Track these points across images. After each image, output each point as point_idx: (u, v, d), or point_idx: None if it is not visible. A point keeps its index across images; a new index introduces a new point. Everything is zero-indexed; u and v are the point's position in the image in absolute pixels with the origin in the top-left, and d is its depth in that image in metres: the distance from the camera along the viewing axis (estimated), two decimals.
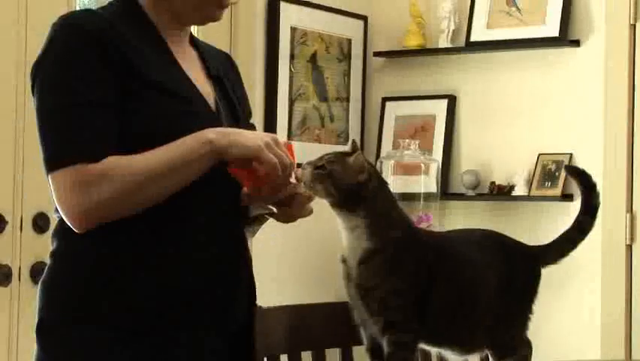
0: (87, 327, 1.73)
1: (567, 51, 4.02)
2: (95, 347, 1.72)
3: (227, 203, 1.84)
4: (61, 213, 1.72)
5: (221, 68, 1.96)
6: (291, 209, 1.85)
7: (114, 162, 1.68)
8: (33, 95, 1.75)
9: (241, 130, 1.77)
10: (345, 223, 1.88)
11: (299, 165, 1.84)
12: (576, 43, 4.00)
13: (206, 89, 1.87)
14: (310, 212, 1.88)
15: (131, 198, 1.69)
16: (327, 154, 1.88)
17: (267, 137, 1.74)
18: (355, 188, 1.85)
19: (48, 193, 1.78)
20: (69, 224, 1.72)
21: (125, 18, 1.80)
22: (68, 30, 1.74)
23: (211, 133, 1.71)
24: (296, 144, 4.07)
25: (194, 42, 1.94)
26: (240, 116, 1.93)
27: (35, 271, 3.08)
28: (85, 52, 1.71)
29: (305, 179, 1.84)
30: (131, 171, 1.68)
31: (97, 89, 1.70)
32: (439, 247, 1.95)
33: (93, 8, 1.87)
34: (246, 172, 1.75)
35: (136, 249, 1.75)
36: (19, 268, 3.08)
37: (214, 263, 1.80)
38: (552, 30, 4.01)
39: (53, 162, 1.70)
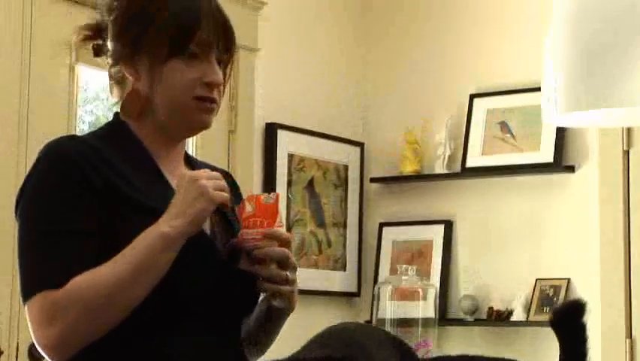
0: None
1: (562, 177, 4.05)
2: None
3: (222, 323, 1.80)
4: (39, 347, 1.68)
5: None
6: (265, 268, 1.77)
7: (77, 283, 1.64)
8: (16, 220, 1.74)
9: (175, 200, 1.70)
10: None
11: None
12: (571, 168, 4.04)
13: None
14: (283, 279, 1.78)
15: (101, 314, 1.66)
16: None
17: (192, 186, 1.69)
18: None
19: None
20: (47, 358, 1.68)
21: (112, 141, 1.79)
22: (51, 157, 1.73)
23: (163, 225, 1.67)
24: None
25: (190, 161, 1.93)
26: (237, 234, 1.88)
27: None
28: (65, 179, 1.71)
29: None
30: (95, 289, 1.64)
31: (72, 218, 1.69)
32: None
33: (78, 135, 1.89)
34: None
35: None
36: None
37: None
38: (547, 156, 4.05)
39: (23, 292, 1.68)
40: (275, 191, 1.86)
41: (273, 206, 1.79)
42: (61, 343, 1.65)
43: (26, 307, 1.67)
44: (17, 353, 3.08)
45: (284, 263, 1.80)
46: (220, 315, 1.79)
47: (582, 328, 1.75)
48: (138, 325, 1.69)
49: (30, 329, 1.68)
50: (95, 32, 1.87)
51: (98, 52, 1.87)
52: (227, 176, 1.99)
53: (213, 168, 1.99)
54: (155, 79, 1.78)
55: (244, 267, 1.79)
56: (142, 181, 1.77)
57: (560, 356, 1.76)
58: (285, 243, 1.80)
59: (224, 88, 1.84)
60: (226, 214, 1.90)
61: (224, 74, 1.84)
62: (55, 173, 1.72)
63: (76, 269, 1.66)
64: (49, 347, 1.66)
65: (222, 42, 1.82)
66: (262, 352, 1.93)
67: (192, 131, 1.88)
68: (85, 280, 1.65)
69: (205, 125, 1.84)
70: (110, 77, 1.85)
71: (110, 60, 1.84)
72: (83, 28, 1.86)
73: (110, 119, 1.90)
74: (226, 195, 1.72)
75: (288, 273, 1.80)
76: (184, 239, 1.68)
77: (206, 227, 1.82)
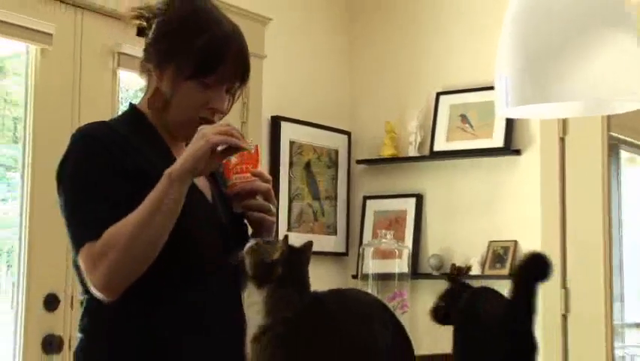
0: None
1: (511, 159, 4.05)
2: None
3: (225, 275, 1.76)
4: (92, 292, 1.65)
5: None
6: (252, 201, 1.77)
7: (109, 232, 1.61)
8: (58, 194, 1.72)
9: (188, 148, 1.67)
10: (248, 302, 1.65)
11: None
12: (518, 152, 4.04)
13: (203, 184, 1.80)
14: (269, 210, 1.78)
15: (133, 251, 1.60)
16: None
17: (197, 135, 1.65)
18: (266, 266, 1.63)
19: None
20: (101, 299, 1.64)
21: (133, 127, 1.76)
22: (84, 140, 1.72)
23: (169, 168, 1.63)
24: (294, 235, 4.08)
25: None
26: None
27: None
28: (96, 157, 1.68)
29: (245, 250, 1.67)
30: (123, 230, 1.60)
31: (104, 187, 1.66)
32: (331, 329, 1.65)
33: (107, 120, 1.83)
34: (225, 164, 1.73)
35: (147, 323, 1.68)
36: (69, 339, 3.05)
37: (218, 327, 1.73)
38: (498, 142, 4.05)
39: (74, 250, 1.66)
40: (256, 144, 1.79)
41: (255, 155, 1.76)
42: (106, 283, 1.61)
43: (79, 259, 1.64)
44: (72, 302, 3.07)
45: (267, 196, 1.78)
46: (223, 268, 1.75)
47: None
48: (154, 280, 1.64)
49: (89, 283, 1.64)
50: (142, 16, 1.79)
51: (141, 32, 1.80)
52: None
53: None
54: (174, 90, 1.74)
55: (236, 208, 1.77)
56: (158, 162, 1.73)
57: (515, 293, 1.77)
58: (267, 182, 1.78)
59: (231, 104, 1.79)
60: (220, 187, 1.84)
61: (234, 97, 1.79)
62: (90, 152, 1.69)
63: (110, 223, 1.61)
64: (99, 288, 1.62)
65: (238, 78, 1.76)
66: None
67: (189, 139, 1.79)
68: (114, 228, 1.61)
69: None
70: (142, 64, 1.79)
71: (144, 53, 1.78)
72: (134, 9, 1.79)
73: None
74: (222, 138, 1.63)
75: (270, 205, 1.78)
76: (187, 177, 1.63)
77: (208, 196, 1.79)
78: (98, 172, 1.68)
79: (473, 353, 1.81)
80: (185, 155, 1.64)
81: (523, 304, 1.78)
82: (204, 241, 1.69)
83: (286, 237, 1.64)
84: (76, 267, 1.71)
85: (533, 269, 1.81)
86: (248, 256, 1.64)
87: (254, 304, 1.63)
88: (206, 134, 1.64)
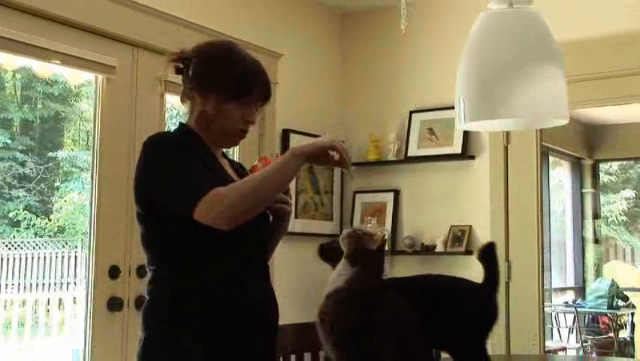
0: (172, 340, 1.66)
1: (467, 163, 4.06)
2: (180, 352, 1.65)
3: (260, 258, 1.80)
4: (213, 225, 1.57)
5: (240, 169, 1.90)
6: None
7: (234, 184, 1.58)
8: (147, 188, 1.64)
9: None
10: (340, 270, 1.72)
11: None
12: (472, 157, 4.05)
13: (237, 179, 1.79)
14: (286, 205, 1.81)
15: (250, 199, 1.57)
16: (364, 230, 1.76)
17: (329, 138, 1.69)
18: (364, 252, 1.71)
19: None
20: (221, 229, 1.58)
21: (187, 138, 1.74)
22: (159, 140, 1.69)
23: (293, 147, 1.66)
24: (300, 221, 4.10)
25: (223, 154, 1.89)
26: None
27: (138, 302, 3.06)
28: (176, 147, 1.65)
29: (342, 235, 1.73)
30: (247, 182, 1.59)
31: (194, 161, 1.63)
32: (386, 302, 1.73)
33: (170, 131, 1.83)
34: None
35: (197, 287, 1.66)
36: (128, 300, 3.07)
37: (258, 291, 1.73)
38: (457, 149, 4.05)
39: (193, 201, 1.56)
40: (279, 155, 1.81)
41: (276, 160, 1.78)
42: (226, 215, 1.55)
43: (197, 210, 1.55)
44: (130, 272, 3.06)
45: (285, 192, 1.79)
46: (257, 246, 1.77)
47: (494, 258, 1.80)
48: (204, 255, 1.63)
49: (205, 220, 1.56)
50: (180, 58, 1.77)
51: (178, 71, 1.78)
52: (241, 166, 1.97)
53: (236, 161, 1.97)
54: (218, 110, 1.75)
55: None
56: (208, 162, 1.73)
57: (484, 275, 1.79)
58: None
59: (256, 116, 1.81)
60: None
61: (257, 111, 1.80)
62: (169, 144, 1.67)
63: (214, 182, 1.58)
64: (217, 218, 1.55)
65: (265, 99, 1.79)
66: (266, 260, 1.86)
67: (227, 147, 1.85)
68: (238, 182, 1.59)
69: (235, 145, 1.83)
70: (185, 93, 1.78)
71: (188, 83, 1.76)
72: (172, 54, 1.78)
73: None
74: (340, 148, 1.65)
75: (288, 198, 1.81)
76: (303, 156, 1.64)
77: None
78: (183, 152, 1.64)
79: (456, 319, 1.77)
80: (309, 143, 1.67)
81: (491, 280, 1.80)
82: (243, 225, 1.64)
83: (384, 235, 1.71)
84: (144, 242, 1.71)
85: (491, 254, 1.82)
86: (348, 239, 1.72)
87: (343, 275, 1.70)
88: (333, 140, 1.70)
